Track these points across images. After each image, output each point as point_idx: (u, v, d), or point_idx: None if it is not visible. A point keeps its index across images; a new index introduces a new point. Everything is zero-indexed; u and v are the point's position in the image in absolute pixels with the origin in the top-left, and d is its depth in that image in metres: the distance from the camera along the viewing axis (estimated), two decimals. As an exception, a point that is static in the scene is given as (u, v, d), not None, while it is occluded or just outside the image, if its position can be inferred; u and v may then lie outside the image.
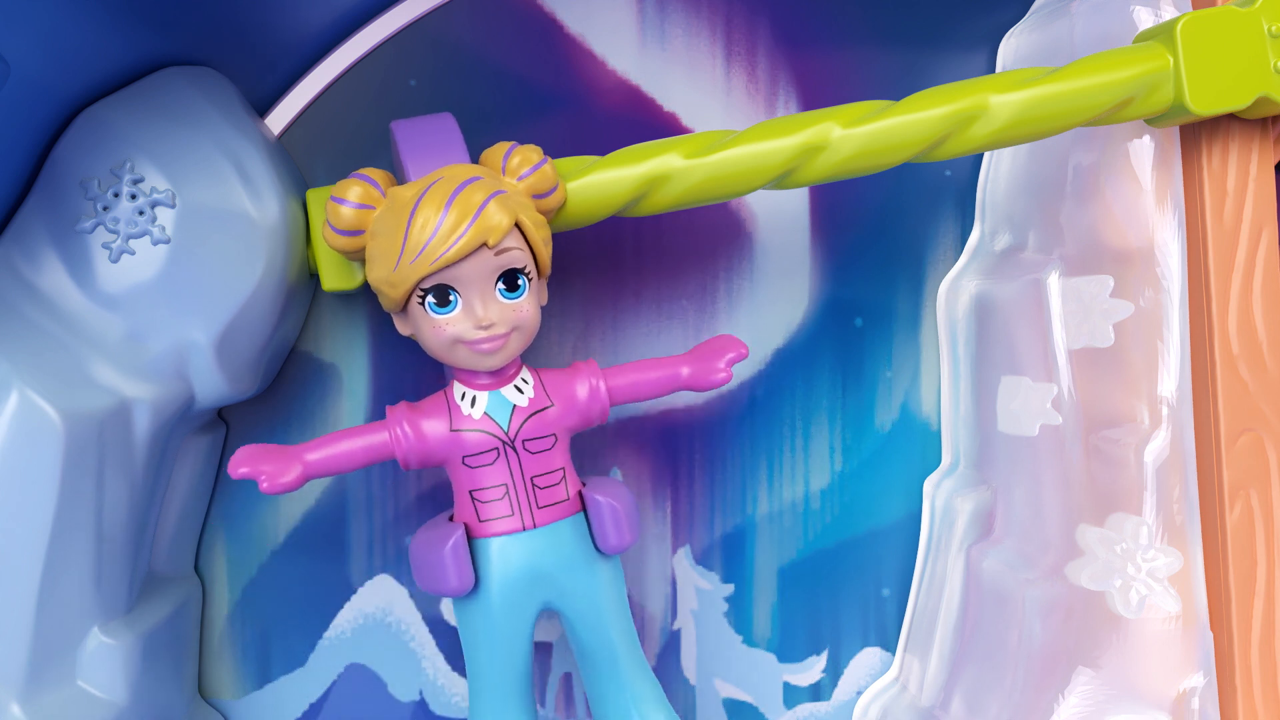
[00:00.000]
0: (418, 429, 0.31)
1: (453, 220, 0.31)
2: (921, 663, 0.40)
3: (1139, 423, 0.35)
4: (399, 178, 0.33)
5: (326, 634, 0.38)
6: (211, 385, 0.33)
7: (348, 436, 0.31)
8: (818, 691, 0.41)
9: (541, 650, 0.39)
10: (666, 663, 0.40)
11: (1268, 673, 0.34)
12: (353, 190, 0.32)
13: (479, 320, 0.31)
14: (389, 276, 0.31)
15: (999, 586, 0.38)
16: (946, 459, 0.41)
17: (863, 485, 0.42)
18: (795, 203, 0.41)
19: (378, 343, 0.38)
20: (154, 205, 0.32)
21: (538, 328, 0.32)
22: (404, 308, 0.32)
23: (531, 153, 0.33)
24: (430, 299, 0.31)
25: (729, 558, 0.41)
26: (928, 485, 0.41)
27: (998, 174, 0.41)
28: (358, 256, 0.32)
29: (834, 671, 0.41)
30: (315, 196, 0.35)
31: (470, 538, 0.33)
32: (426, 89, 0.38)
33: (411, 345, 0.38)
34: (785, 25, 0.40)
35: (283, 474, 0.30)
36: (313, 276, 0.36)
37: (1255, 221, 0.35)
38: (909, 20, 0.40)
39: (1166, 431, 0.35)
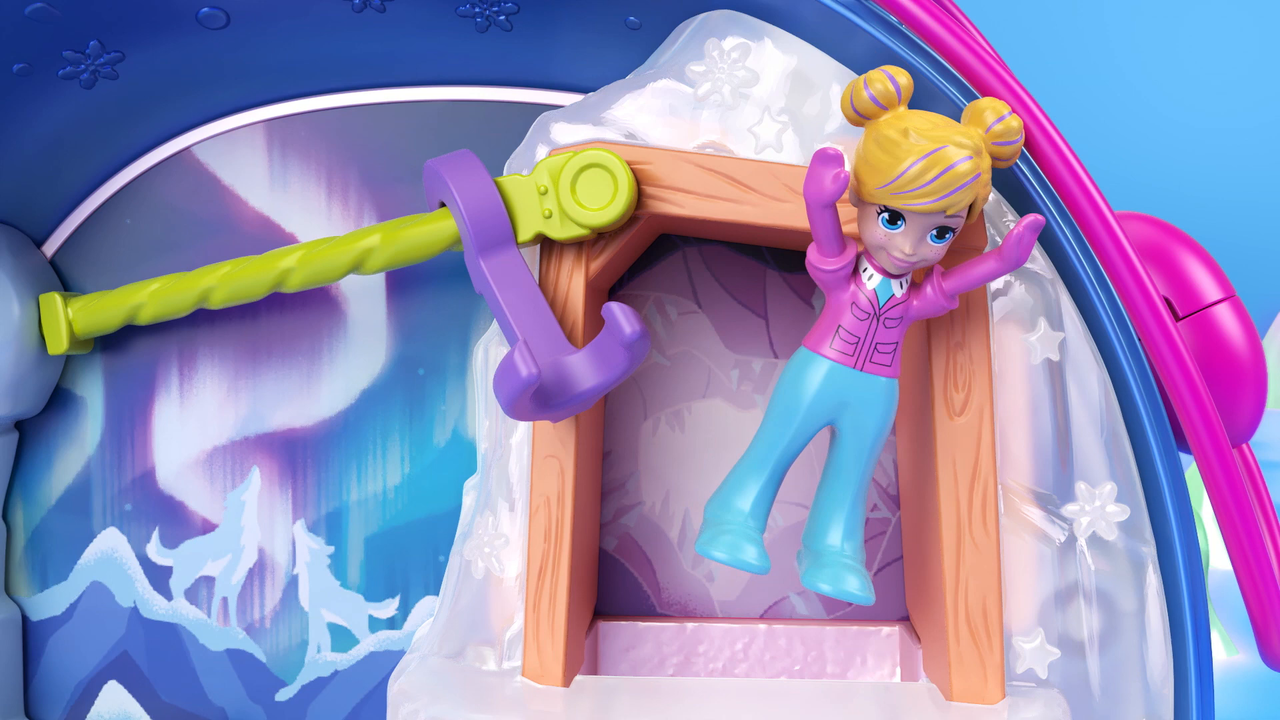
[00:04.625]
0: (847, 274, 0.45)
1: (935, 186, 0.41)
2: (436, 614, 0.58)
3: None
4: (429, 206, 0.52)
5: (80, 561, 0.61)
6: (-23, 409, 0.58)
7: (835, 225, 0.43)
8: (393, 622, 0.60)
9: (205, 584, 0.61)
10: (289, 595, 0.61)
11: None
12: (878, 84, 0.42)
13: (905, 251, 0.42)
14: (871, 189, 0.42)
15: (461, 557, 0.55)
16: (479, 467, 0.59)
17: (426, 484, 0.60)
18: (375, 285, 0.60)
19: (110, 381, 0.61)
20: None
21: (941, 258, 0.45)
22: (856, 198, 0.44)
23: (1013, 129, 0.42)
24: (884, 214, 0.42)
25: (331, 528, 0.61)
26: (466, 485, 0.59)
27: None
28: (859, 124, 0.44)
29: (405, 610, 0.60)
30: (45, 300, 0.58)
31: (811, 349, 0.45)
32: (138, 225, 0.61)
33: (130, 382, 0.61)
34: (368, 170, 0.60)
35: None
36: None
37: (567, 326, 0.51)
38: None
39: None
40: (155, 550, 0.61)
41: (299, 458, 0.61)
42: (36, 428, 0.61)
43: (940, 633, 0.50)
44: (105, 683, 0.61)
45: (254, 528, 0.61)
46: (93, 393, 0.61)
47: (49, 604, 0.62)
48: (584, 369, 0.48)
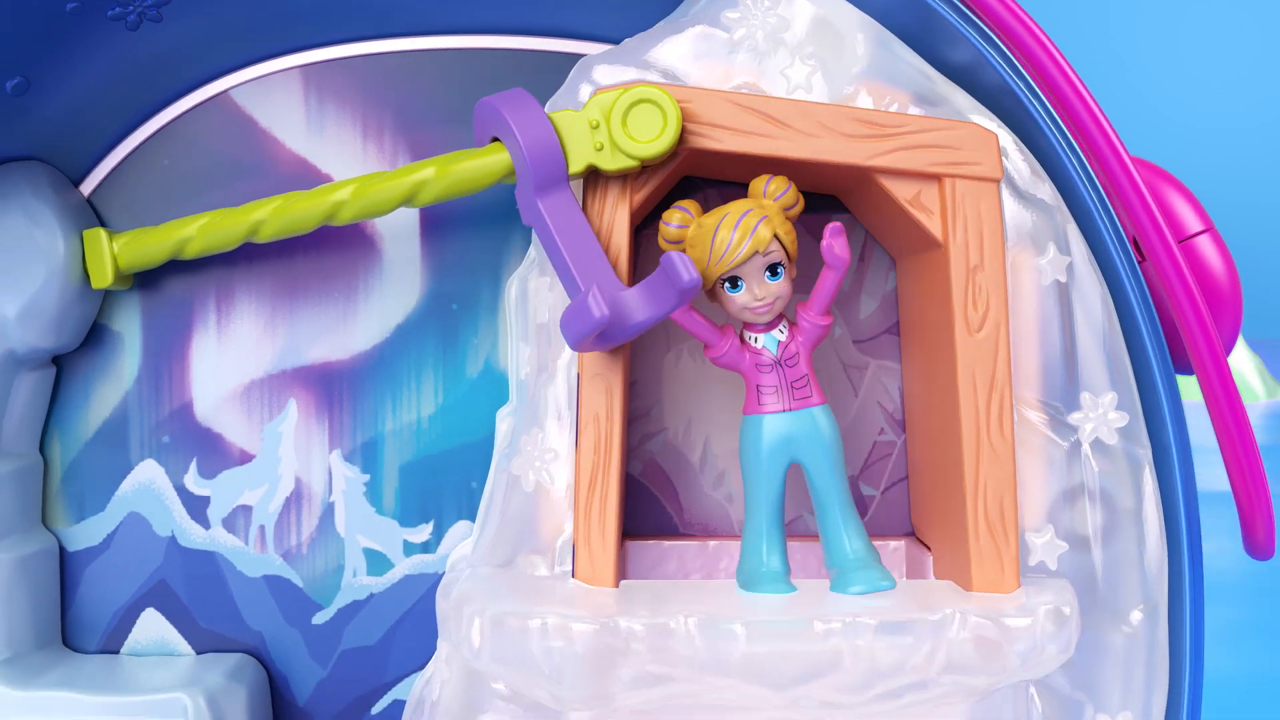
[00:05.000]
0: (736, 348, 0.54)
1: (737, 238, 0.52)
2: (478, 531, 0.61)
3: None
4: (479, 143, 0.55)
5: (117, 492, 0.63)
6: (21, 341, 0.59)
7: (703, 321, 0.54)
8: (427, 547, 0.63)
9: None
10: (326, 522, 0.63)
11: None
12: (675, 216, 0.54)
13: (756, 297, 0.53)
14: (708, 273, 0.52)
15: (509, 473, 0.59)
16: (511, 397, 0.62)
17: (458, 414, 0.63)
18: (410, 223, 0.63)
19: (148, 317, 0.63)
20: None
21: (791, 294, 0.54)
22: (710, 291, 0.54)
23: (781, 183, 0.53)
24: (727, 284, 0.53)
25: (367, 458, 0.63)
26: (499, 414, 0.62)
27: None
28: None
29: (438, 535, 0.63)
30: (89, 235, 0.60)
31: (749, 414, 0.54)
32: (175, 166, 0.62)
33: (168, 318, 0.62)
34: (403, 115, 0.63)
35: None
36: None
37: (612, 254, 0.54)
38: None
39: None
40: (193, 481, 0.63)
41: (335, 390, 0.63)
42: (73, 363, 0.63)
43: (954, 536, 0.55)
44: (143, 610, 0.63)
45: (291, 458, 0.63)
46: (130, 328, 0.63)
47: (86, 535, 0.63)
48: (636, 304, 0.52)
